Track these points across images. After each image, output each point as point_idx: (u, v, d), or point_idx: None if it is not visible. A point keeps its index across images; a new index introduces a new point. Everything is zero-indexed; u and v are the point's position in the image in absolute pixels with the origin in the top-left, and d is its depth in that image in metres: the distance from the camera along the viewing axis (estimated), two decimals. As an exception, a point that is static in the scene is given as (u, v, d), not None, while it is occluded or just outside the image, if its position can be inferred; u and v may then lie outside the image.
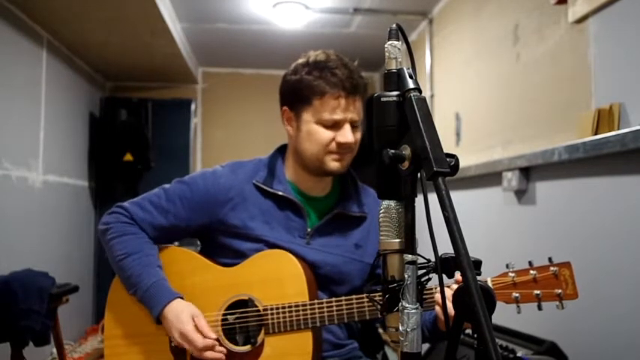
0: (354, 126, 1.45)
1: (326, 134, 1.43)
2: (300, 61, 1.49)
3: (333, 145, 1.44)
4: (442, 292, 0.78)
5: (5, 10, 2.98)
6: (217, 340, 1.37)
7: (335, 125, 1.43)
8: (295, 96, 1.47)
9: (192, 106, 5.02)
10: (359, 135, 1.48)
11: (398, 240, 0.85)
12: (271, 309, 1.40)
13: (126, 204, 1.51)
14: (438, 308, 1.31)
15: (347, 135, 1.43)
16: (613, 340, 1.79)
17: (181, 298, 1.41)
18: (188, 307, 1.39)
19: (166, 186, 1.53)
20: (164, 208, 1.48)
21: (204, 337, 1.34)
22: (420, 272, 0.83)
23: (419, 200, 0.84)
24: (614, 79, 1.86)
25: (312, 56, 1.47)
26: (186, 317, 1.36)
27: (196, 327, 1.35)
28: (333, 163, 1.46)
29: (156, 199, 1.50)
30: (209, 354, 1.34)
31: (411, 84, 0.85)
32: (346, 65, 1.44)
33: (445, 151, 0.79)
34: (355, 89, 1.42)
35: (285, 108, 1.51)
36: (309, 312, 1.38)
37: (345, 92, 1.41)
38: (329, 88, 1.41)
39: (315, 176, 1.51)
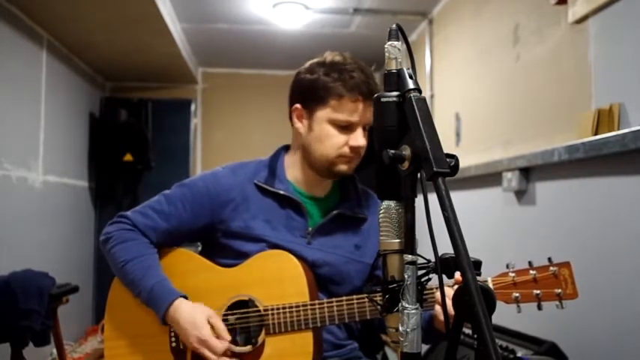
0: (365, 130, 1.46)
1: (339, 138, 1.44)
2: (316, 60, 1.49)
3: (346, 149, 1.44)
4: (442, 293, 0.78)
5: (5, 10, 2.98)
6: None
7: (348, 127, 1.43)
8: (311, 95, 1.46)
9: (192, 107, 5.02)
10: (367, 139, 1.48)
11: (398, 240, 0.85)
12: (272, 309, 1.40)
13: (127, 213, 1.51)
14: (438, 308, 1.31)
15: (359, 139, 1.43)
16: (613, 341, 1.79)
17: (185, 297, 1.40)
18: (200, 309, 1.38)
19: (167, 192, 1.53)
20: (166, 213, 1.48)
21: (222, 339, 1.35)
22: (420, 272, 0.83)
23: (419, 200, 0.84)
24: (614, 79, 1.86)
25: (329, 57, 1.47)
26: (202, 321, 1.35)
27: (212, 329, 1.36)
28: (342, 166, 1.47)
29: (157, 205, 1.50)
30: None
31: (411, 84, 0.85)
32: (363, 69, 1.44)
33: (445, 151, 0.79)
34: (371, 94, 1.41)
35: (297, 106, 1.50)
36: (309, 312, 1.38)
37: (363, 96, 1.41)
38: (346, 90, 1.41)
39: (321, 177, 1.51)
